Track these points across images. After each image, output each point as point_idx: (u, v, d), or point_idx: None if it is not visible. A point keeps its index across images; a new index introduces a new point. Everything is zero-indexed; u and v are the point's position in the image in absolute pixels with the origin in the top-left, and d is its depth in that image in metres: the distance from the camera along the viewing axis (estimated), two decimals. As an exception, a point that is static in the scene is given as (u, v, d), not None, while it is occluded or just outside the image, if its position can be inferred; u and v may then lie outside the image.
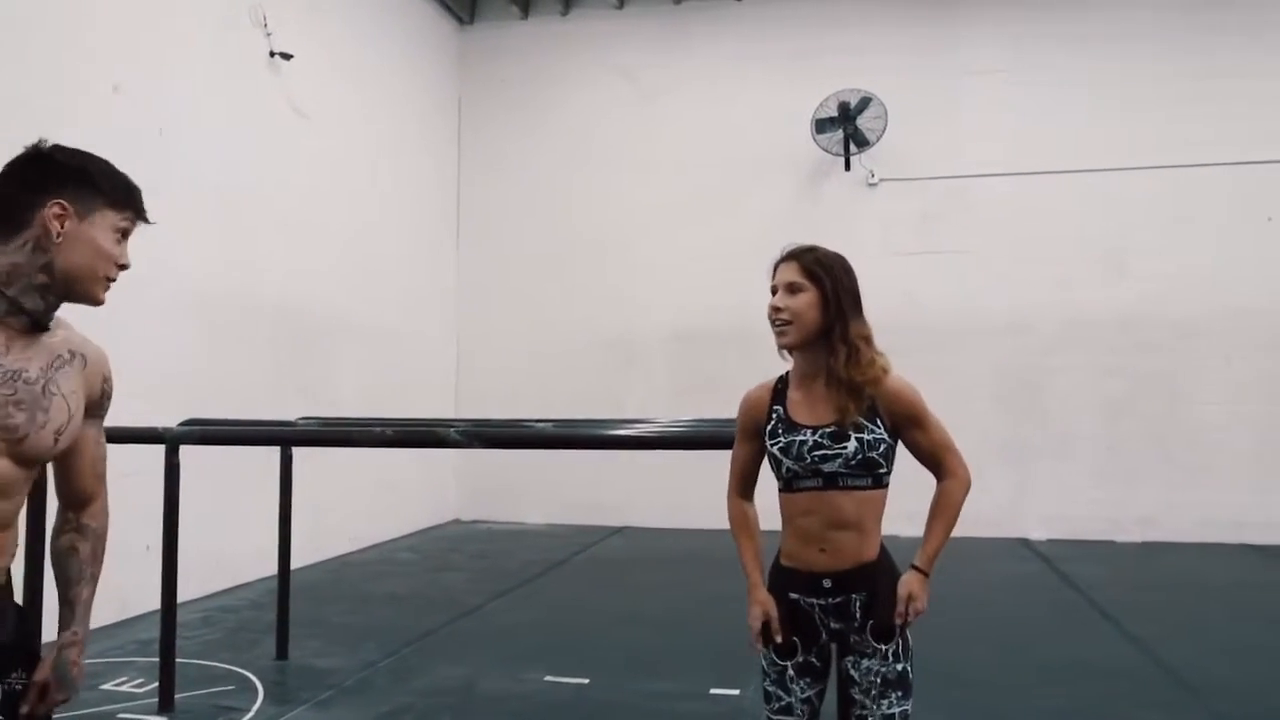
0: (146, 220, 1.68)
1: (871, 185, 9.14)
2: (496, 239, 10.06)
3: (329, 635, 5.24)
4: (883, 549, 2.15)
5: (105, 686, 4.28)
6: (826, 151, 8.99)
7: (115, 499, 1.83)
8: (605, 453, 7.55)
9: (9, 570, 1.65)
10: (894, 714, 2.07)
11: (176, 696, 3.98)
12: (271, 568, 4.84)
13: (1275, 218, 8.40)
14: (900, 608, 2.07)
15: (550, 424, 3.43)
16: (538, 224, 9.95)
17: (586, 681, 4.48)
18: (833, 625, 2.12)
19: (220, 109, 6.47)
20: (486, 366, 9.94)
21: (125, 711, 3.95)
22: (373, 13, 8.56)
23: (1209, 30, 8.61)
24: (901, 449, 2.16)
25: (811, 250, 2.15)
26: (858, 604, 2.10)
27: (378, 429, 2.94)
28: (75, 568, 1.75)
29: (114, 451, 1.83)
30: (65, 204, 1.56)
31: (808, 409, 2.12)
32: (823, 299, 2.08)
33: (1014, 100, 8.99)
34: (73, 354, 1.65)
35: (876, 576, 2.11)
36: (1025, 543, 8.52)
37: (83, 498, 1.76)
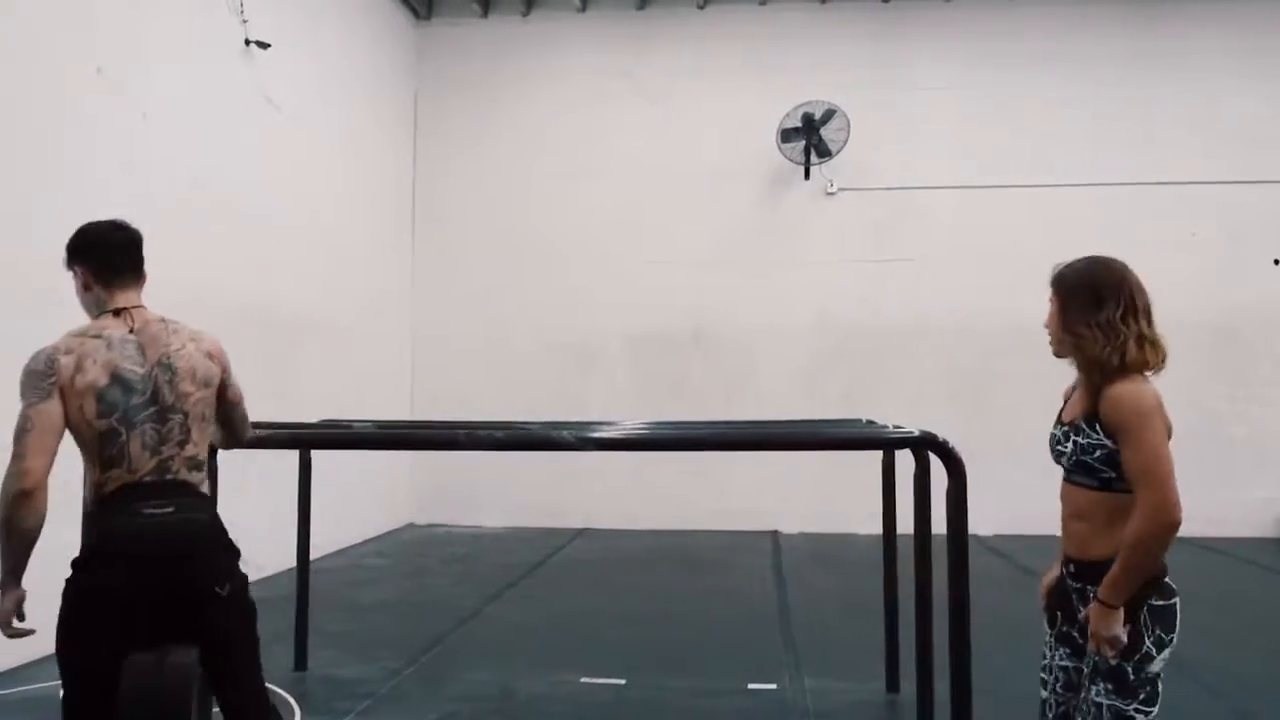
0: None
1: (830, 194, 9.42)
2: (452, 238, 9.89)
3: (338, 644, 5.07)
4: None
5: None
6: (789, 160, 9.21)
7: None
8: (562, 455, 7.46)
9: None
10: (1101, 703, 2.11)
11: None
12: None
13: (1198, 233, 9.08)
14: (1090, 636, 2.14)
15: (658, 425, 3.41)
16: (495, 224, 9.83)
17: (624, 682, 4.48)
18: (1078, 606, 2.21)
19: (198, 97, 6.16)
20: (443, 367, 9.75)
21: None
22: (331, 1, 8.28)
23: (1145, 55, 9.23)
24: None
25: (1062, 264, 2.31)
26: (1090, 596, 2.15)
27: (484, 431, 2.84)
28: None
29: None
30: None
31: (1070, 406, 2.32)
32: (1060, 308, 2.27)
33: (963, 117, 9.42)
34: None
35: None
36: (975, 538, 8.89)
37: None
